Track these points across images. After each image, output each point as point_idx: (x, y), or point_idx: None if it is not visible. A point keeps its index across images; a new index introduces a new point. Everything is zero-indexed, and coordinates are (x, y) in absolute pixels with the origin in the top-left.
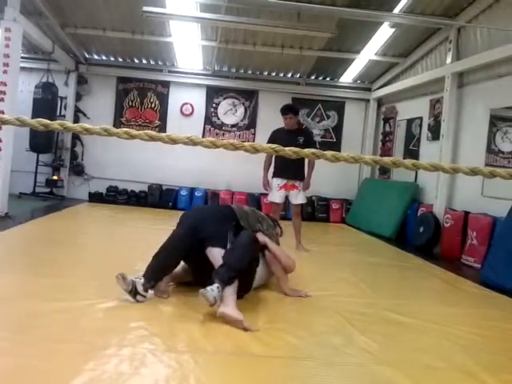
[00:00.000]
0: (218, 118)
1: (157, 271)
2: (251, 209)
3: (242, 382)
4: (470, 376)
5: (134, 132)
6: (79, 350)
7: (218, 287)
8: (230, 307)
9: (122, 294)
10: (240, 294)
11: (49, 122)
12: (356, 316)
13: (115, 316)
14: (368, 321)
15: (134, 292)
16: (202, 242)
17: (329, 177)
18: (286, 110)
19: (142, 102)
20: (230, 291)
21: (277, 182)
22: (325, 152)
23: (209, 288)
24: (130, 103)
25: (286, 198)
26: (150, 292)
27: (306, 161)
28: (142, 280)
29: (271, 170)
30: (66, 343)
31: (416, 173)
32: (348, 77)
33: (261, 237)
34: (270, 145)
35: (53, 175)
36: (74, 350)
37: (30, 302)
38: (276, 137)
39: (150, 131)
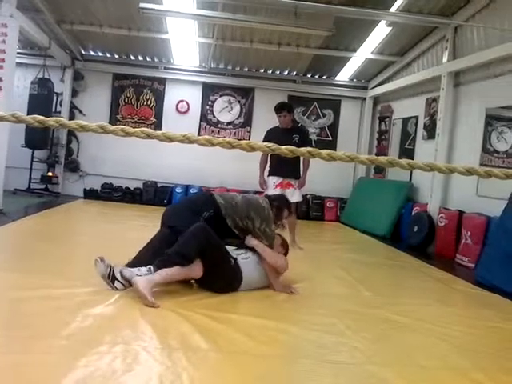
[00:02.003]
0: (214, 116)
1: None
2: (246, 200)
3: (234, 379)
4: (463, 375)
5: (130, 130)
6: (72, 346)
7: (149, 268)
8: (144, 280)
9: (107, 288)
10: (223, 288)
11: (44, 118)
12: (350, 315)
13: (109, 313)
14: (362, 320)
15: (112, 277)
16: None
17: (324, 175)
18: (280, 109)
19: (137, 99)
20: (159, 272)
21: (273, 180)
22: (320, 151)
23: (135, 269)
24: (126, 100)
25: None
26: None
27: (302, 159)
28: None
29: (267, 168)
30: (59, 340)
31: (411, 172)
32: (344, 75)
33: (249, 241)
34: (266, 143)
35: (48, 172)
36: (67, 346)
37: (22, 299)
38: (271, 135)
39: (146, 129)
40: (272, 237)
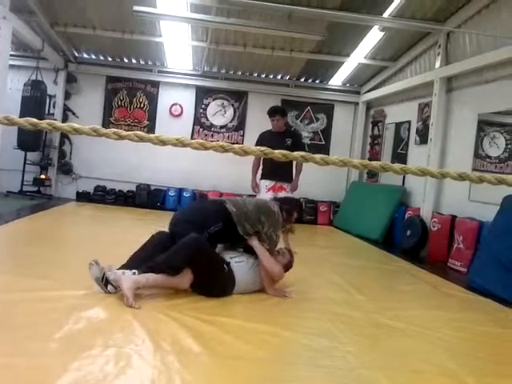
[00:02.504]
0: (207, 119)
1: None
2: (257, 205)
3: (226, 382)
4: (455, 380)
5: (123, 133)
6: (64, 349)
7: (134, 272)
8: (129, 280)
9: (100, 291)
10: (218, 292)
11: (37, 121)
12: (342, 319)
13: (101, 316)
14: (354, 324)
15: (105, 280)
16: None
17: (317, 179)
18: (272, 112)
19: (131, 102)
20: (145, 275)
21: (265, 184)
22: (314, 155)
23: (120, 271)
24: (120, 103)
25: None
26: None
27: (294, 163)
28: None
29: (259, 171)
30: (51, 343)
31: (404, 176)
32: (337, 80)
33: (251, 241)
34: (259, 147)
35: (40, 174)
36: (59, 349)
37: (14, 302)
38: (264, 139)
39: (139, 132)
40: (275, 242)
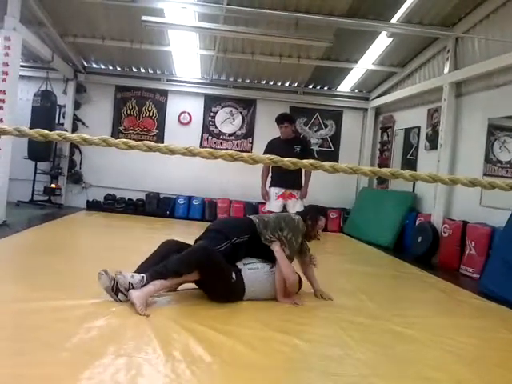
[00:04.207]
0: (216, 127)
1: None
2: (278, 215)
3: None
4: None
5: (132, 143)
6: (75, 359)
7: (143, 277)
8: (138, 292)
9: (110, 300)
10: (224, 299)
11: (48, 132)
12: (354, 326)
13: (112, 325)
14: (366, 331)
15: (116, 289)
16: None
17: (326, 186)
18: (280, 119)
19: (140, 111)
20: (154, 283)
21: (274, 191)
22: (323, 163)
23: (129, 274)
24: (129, 112)
25: (284, 207)
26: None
27: (303, 170)
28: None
29: (269, 179)
30: (62, 352)
31: (414, 182)
32: (346, 86)
33: (273, 246)
34: (268, 156)
35: (51, 183)
36: (70, 358)
37: (25, 311)
38: (273, 147)
39: (148, 142)
40: (294, 249)
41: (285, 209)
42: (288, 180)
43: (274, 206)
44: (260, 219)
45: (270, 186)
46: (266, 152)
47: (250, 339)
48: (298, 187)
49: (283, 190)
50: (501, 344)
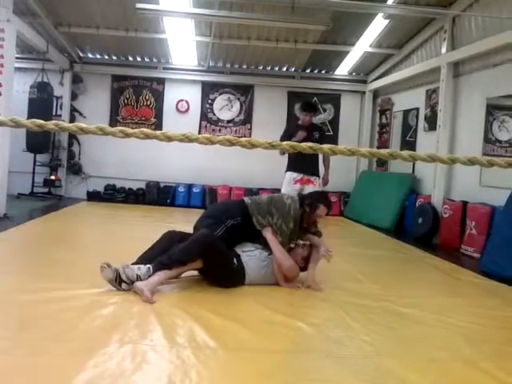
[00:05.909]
0: (214, 114)
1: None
2: (271, 197)
3: (243, 376)
4: (472, 365)
5: (129, 131)
6: (80, 347)
7: (149, 268)
8: (144, 282)
9: (114, 289)
10: (227, 284)
11: (43, 122)
12: (356, 308)
13: (116, 313)
14: (368, 312)
15: (118, 280)
16: None
17: None
18: (309, 108)
19: (137, 100)
20: (158, 274)
21: (292, 176)
22: (322, 146)
23: (136, 266)
24: (126, 101)
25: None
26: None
27: (321, 156)
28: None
29: (285, 163)
30: (67, 341)
31: (413, 164)
32: (343, 69)
33: (265, 232)
34: (266, 139)
35: (50, 175)
36: (76, 347)
37: (30, 302)
38: (293, 132)
39: (145, 129)
40: (286, 235)
41: None
42: (306, 165)
43: (290, 190)
44: (253, 200)
45: (286, 171)
46: (286, 134)
47: (253, 323)
48: (315, 173)
49: (301, 176)
50: (505, 322)
